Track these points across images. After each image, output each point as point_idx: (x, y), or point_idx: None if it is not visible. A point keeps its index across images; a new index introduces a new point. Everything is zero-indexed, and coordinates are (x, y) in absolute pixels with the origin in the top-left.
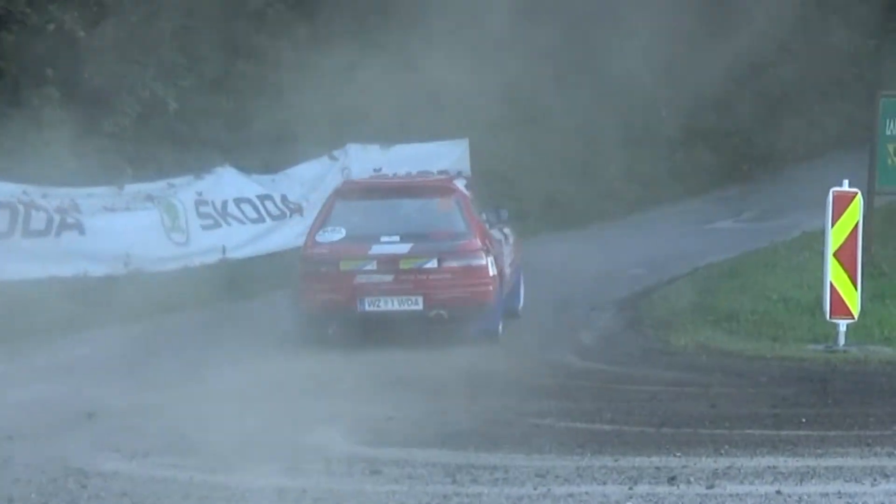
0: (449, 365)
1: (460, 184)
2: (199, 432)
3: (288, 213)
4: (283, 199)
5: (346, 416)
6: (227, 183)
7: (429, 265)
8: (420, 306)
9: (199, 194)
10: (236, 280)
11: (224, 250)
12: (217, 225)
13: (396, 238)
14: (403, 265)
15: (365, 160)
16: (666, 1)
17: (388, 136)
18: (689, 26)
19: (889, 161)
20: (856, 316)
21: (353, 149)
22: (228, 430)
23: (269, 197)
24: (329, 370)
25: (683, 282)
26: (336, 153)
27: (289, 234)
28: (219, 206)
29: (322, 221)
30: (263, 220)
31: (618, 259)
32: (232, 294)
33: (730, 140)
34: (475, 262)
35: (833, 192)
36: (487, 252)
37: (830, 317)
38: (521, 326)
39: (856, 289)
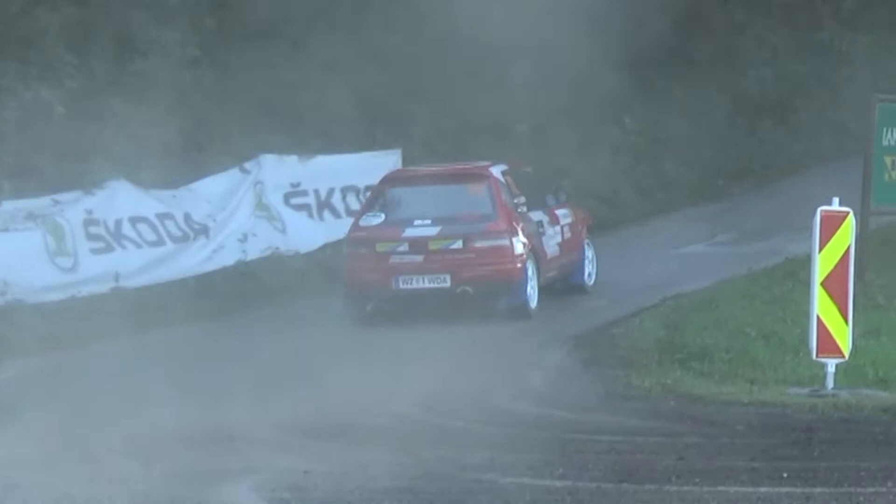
0: (380, 410)
1: (497, 170)
2: (88, 490)
3: (192, 235)
4: (187, 218)
5: (257, 468)
6: (121, 200)
7: (454, 246)
8: (448, 284)
9: (89, 213)
10: (131, 312)
11: (117, 277)
12: (109, 248)
13: (428, 221)
14: (432, 246)
15: (281, 173)
16: None
17: (309, 146)
18: (657, 19)
19: (886, 176)
20: (846, 355)
21: (268, 160)
22: (121, 487)
23: (169, 216)
24: (241, 415)
25: (648, 315)
26: (248, 165)
27: (193, 259)
28: (112, 226)
29: (367, 207)
30: (163, 243)
31: (573, 288)
32: (126, 328)
33: (703, 151)
34: (498, 242)
35: (821, 211)
36: (513, 233)
37: (817, 356)
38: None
39: (846, 323)
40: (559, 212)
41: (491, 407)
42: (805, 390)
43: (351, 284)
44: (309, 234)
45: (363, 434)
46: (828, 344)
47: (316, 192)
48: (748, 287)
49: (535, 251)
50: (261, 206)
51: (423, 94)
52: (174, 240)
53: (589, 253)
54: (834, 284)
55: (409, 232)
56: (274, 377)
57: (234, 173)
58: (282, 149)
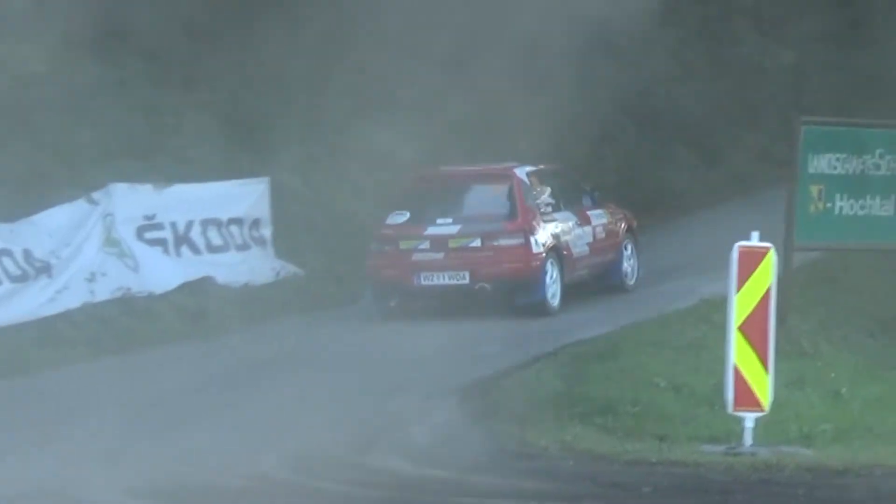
0: (241, 470)
1: (522, 172)
2: None
3: (33, 273)
4: (27, 254)
5: None
6: None
7: (473, 244)
8: (467, 280)
9: None
10: None
11: None
12: None
13: (449, 220)
14: (452, 244)
15: (134, 204)
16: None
17: (165, 173)
18: (556, 35)
19: (812, 207)
20: (766, 408)
21: (118, 189)
22: None
23: (7, 252)
24: (88, 476)
25: (546, 363)
26: (96, 195)
27: (34, 301)
28: None
29: (394, 206)
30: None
31: (463, 333)
32: None
33: (607, 179)
34: (515, 241)
35: (738, 247)
36: (531, 232)
37: (734, 409)
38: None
39: (767, 373)
40: (592, 213)
41: (367, 466)
42: (720, 448)
43: (375, 281)
44: (165, 272)
45: (222, 497)
46: (746, 396)
47: (173, 225)
48: (657, 332)
49: (559, 250)
50: (110, 241)
51: (295, 117)
52: (12, 279)
53: (628, 253)
54: (753, 329)
55: (431, 230)
56: (125, 432)
57: (80, 204)
58: (134, 177)
